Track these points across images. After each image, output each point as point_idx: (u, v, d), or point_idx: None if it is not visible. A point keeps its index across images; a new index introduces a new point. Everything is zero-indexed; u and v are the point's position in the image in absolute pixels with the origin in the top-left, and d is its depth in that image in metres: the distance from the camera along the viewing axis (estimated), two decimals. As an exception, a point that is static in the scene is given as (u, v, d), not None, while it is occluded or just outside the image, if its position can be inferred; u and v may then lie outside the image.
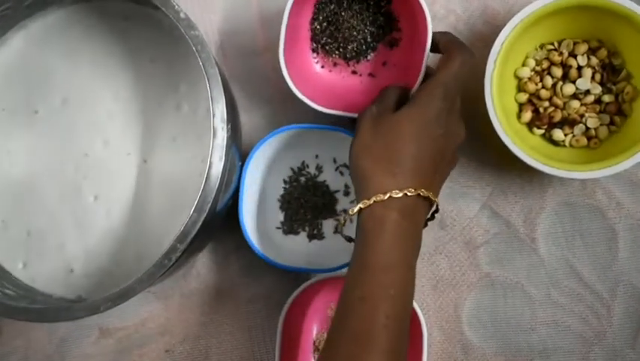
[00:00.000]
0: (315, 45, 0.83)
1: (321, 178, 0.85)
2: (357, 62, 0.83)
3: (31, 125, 0.79)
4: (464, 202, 0.85)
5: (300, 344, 0.82)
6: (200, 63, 0.65)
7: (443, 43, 0.72)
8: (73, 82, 0.79)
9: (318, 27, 0.82)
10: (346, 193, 0.84)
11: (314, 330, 0.84)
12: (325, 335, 0.83)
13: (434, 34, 0.73)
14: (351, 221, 0.69)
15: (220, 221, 0.79)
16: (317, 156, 0.85)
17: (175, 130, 0.77)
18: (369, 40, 0.82)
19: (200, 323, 0.87)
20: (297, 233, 0.85)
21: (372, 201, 0.63)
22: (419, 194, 0.64)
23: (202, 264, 0.87)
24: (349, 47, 0.82)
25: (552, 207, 0.84)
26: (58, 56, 0.79)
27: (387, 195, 0.63)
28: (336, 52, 0.83)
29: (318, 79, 0.83)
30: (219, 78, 0.66)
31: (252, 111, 0.87)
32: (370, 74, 0.83)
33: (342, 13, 0.81)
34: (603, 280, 0.83)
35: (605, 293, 0.83)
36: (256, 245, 0.79)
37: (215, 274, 0.87)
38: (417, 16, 0.76)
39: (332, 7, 0.81)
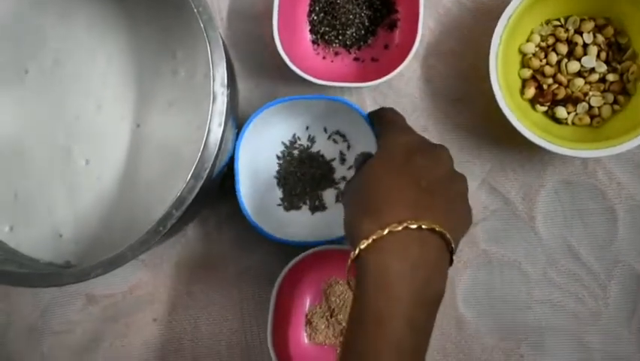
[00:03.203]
0: (314, 37, 0.84)
1: (314, 149, 0.84)
2: (359, 48, 0.84)
3: (20, 85, 0.76)
4: (463, 178, 0.84)
5: (292, 318, 0.81)
6: (202, 25, 0.63)
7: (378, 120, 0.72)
8: (66, 43, 0.76)
9: (315, 18, 0.84)
10: (342, 161, 0.83)
11: (306, 304, 0.83)
12: (318, 308, 0.82)
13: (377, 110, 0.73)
14: None
15: (215, 190, 0.77)
16: (307, 128, 0.84)
17: (171, 95, 0.75)
18: (367, 24, 0.83)
19: (189, 292, 0.86)
20: (298, 208, 0.83)
21: (357, 251, 0.55)
22: (407, 227, 0.55)
23: (193, 233, 0.86)
24: (348, 33, 0.83)
25: (552, 185, 0.83)
26: (52, 16, 0.76)
27: (370, 238, 0.55)
28: (336, 40, 0.84)
29: (320, 65, 0.84)
30: (221, 42, 0.64)
31: (247, 80, 0.86)
32: (373, 59, 0.84)
33: (338, 1, 0.82)
34: (601, 261, 0.82)
35: (602, 274, 0.82)
36: (255, 220, 0.77)
37: (206, 244, 0.86)
38: None
39: None
